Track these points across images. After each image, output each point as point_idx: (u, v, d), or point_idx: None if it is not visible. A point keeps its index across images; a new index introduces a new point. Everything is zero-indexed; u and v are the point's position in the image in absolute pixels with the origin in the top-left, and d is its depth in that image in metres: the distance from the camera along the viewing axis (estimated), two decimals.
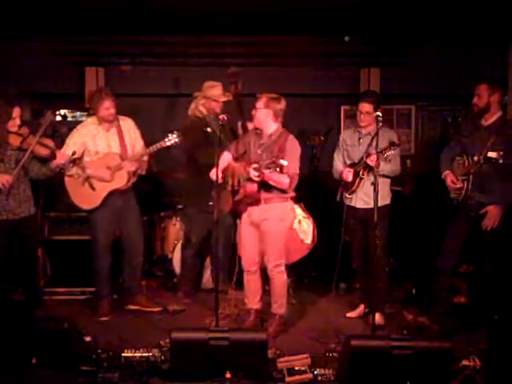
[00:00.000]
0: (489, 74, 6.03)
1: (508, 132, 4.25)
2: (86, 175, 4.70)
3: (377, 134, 4.16)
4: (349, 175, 4.53)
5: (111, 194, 4.73)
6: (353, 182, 4.54)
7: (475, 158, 4.19)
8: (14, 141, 4.48)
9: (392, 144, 4.30)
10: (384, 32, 6.12)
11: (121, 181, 4.73)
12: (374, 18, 5.65)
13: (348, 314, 4.82)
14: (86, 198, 4.75)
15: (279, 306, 4.43)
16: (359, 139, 4.59)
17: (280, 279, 4.41)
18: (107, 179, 4.69)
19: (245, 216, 4.42)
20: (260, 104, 4.30)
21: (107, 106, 4.69)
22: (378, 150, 4.24)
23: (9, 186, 4.39)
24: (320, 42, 6.32)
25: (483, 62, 6.20)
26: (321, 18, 5.60)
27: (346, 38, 6.27)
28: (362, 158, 4.44)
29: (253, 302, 4.51)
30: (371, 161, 4.29)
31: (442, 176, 4.45)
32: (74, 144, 4.72)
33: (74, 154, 4.59)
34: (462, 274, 4.87)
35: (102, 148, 4.75)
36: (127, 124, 4.88)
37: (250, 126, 4.77)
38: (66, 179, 4.76)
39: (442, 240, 4.48)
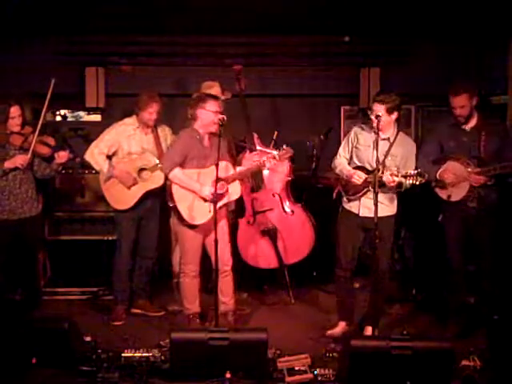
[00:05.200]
0: (489, 74, 6.04)
1: (497, 129, 4.32)
2: (109, 174, 4.69)
3: (393, 142, 4.09)
4: (360, 180, 4.14)
5: (145, 194, 4.72)
6: (359, 189, 4.20)
7: (493, 167, 4.13)
8: (16, 141, 4.48)
9: (420, 175, 3.93)
10: (384, 32, 6.11)
11: (157, 181, 4.70)
12: (374, 18, 5.66)
13: (329, 332, 4.40)
14: (120, 198, 4.72)
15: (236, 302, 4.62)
16: (376, 142, 4.10)
17: (232, 276, 4.54)
18: (127, 185, 4.67)
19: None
20: None
21: (151, 111, 4.69)
22: (403, 174, 3.98)
23: (27, 165, 4.45)
24: (320, 42, 6.31)
25: (483, 62, 6.20)
26: (320, 17, 5.60)
27: (346, 38, 6.27)
28: (378, 171, 4.01)
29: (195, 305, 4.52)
30: (392, 182, 4.01)
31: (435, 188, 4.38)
32: (107, 140, 4.74)
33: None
34: None
35: (135, 150, 4.74)
36: (164, 131, 4.90)
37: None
38: (102, 180, 4.75)
39: (443, 240, 4.48)
